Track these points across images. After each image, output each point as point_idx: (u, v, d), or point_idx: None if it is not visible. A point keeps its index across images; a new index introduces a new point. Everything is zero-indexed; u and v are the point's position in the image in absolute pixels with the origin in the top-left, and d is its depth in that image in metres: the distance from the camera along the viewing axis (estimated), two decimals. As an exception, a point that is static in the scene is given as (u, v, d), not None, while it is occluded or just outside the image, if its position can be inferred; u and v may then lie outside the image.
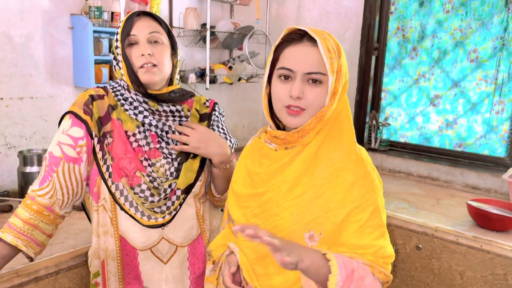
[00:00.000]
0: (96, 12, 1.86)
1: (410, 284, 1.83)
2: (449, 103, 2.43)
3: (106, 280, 1.24)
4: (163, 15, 2.31)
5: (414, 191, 2.22)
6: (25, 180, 1.74)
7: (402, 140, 2.64)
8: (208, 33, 2.26)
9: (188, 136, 1.21)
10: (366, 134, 2.68)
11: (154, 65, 1.19)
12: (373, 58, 2.63)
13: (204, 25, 2.34)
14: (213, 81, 2.42)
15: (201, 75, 2.36)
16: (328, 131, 1.00)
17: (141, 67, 1.18)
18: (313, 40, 0.96)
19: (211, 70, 2.42)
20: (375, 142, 2.60)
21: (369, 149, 2.61)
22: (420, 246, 1.78)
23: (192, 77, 2.34)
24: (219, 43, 2.51)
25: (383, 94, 2.68)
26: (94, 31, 1.87)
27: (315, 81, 0.96)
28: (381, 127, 2.60)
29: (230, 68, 2.52)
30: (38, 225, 1.16)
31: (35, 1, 1.83)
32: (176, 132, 1.24)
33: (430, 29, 2.45)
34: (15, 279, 1.26)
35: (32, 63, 1.86)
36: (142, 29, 1.19)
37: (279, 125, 1.08)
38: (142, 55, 1.17)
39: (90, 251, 1.27)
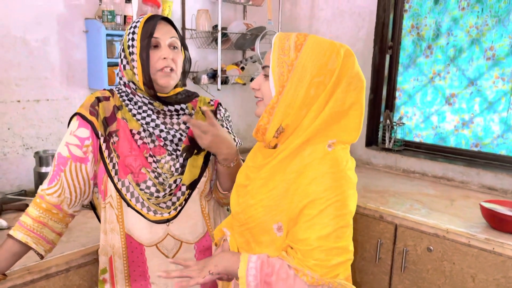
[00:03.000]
0: (109, 16, 1.91)
1: (421, 286, 1.80)
2: (465, 102, 2.38)
3: (113, 276, 1.27)
4: (176, 17, 2.35)
5: (428, 191, 2.18)
6: (41, 180, 1.79)
7: (417, 140, 2.60)
8: (219, 35, 2.28)
9: (206, 132, 1.18)
10: (380, 134, 2.66)
11: (172, 70, 1.21)
12: (387, 57, 2.60)
13: (216, 26, 2.36)
14: (225, 82, 2.44)
15: (213, 76, 2.39)
16: (311, 135, 1.01)
17: (161, 70, 1.20)
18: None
19: (223, 71, 2.44)
20: (389, 142, 2.57)
21: (383, 149, 2.59)
22: (431, 248, 1.75)
23: (204, 78, 2.37)
24: (232, 44, 2.53)
25: (397, 93, 2.64)
26: (107, 35, 1.92)
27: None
28: (395, 127, 2.56)
29: (243, 68, 2.54)
30: (48, 223, 1.20)
31: (51, 6, 1.89)
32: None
33: (445, 27, 2.40)
34: (27, 276, 1.30)
35: (48, 66, 1.92)
36: (164, 33, 1.21)
37: None
38: (165, 58, 1.19)
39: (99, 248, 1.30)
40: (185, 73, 1.32)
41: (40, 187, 1.23)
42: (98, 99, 1.26)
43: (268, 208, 1.01)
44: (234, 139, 1.36)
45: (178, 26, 2.37)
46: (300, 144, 1.01)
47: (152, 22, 1.19)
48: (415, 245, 1.80)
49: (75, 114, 1.24)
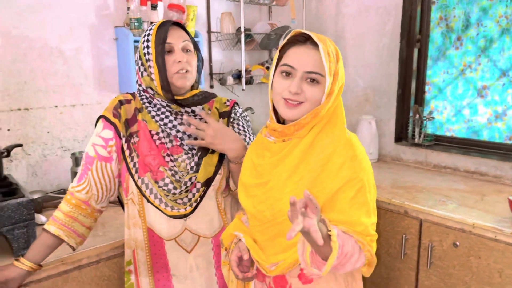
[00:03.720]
0: (136, 23, 2.01)
1: (448, 282, 1.77)
2: (498, 94, 2.30)
3: (137, 268, 1.35)
4: (201, 21, 2.43)
5: (458, 187, 2.13)
6: (77, 179, 1.93)
7: (448, 134, 2.54)
8: (242, 36, 2.34)
9: (203, 130, 1.28)
10: (410, 129, 2.61)
11: (187, 71, 1.29)
12: (415, 50, 2.55)
13: (240, 28, 2.42)
14: (249, 82, 2.49)
15: (237, 76, 2.45)
16: (323, 125, 1.09)
17: (177, 72, 1.27)
18: (315, 44, 1.05)
19: (248, 72, 2.49)
20: (419, 137, 2.52)
21: (413, 144, 2.54)
22: (457, 243, 1.72)
23: (230, 79, 2.43)
24: (257, 44, 2.58)
25: (427, 87, 2.59)
26: (135, 41, 2.02)
27: (312, 80, 1.06)
28: (425, 121, 2.51)
29: (268, 68, 2.58)
30: (78, 218, 1.30)
31: (83, 17, 2.02)
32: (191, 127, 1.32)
33: (474, 18, 2.33)
34: (61, 267, 1.42)
35: (82, 73, 2.05)
36: (176, 38, 1.28)
37: (279, 120, 1.17)
38: (179, 61, 1.26)
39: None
40: (199, 73, 1.38)
41: (70, 184, 1.33)
42: (121, 102, 1.34)
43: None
44: (250, 138, 1.41)
45: (203, 29, 2.45)
46: (315, 136, 1.08)
47: (164, 28, 1.26)
48: (441, 241, 1.77)
49: (100, 116, 1.34)
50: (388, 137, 2.68)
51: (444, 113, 2.54)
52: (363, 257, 1.03)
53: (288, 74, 1.07)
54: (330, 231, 0.96)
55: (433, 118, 2.52)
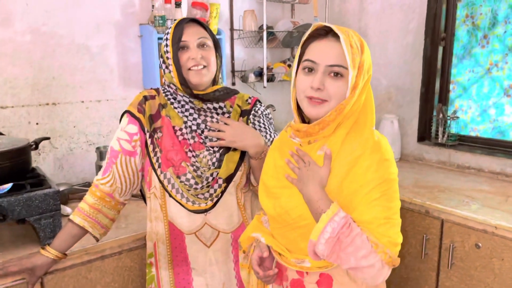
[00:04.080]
0: (160, 21, 2.04)
1: (469, 284, 1.74)
2: (525, 93, 2.24)
3: (157, 261, 1.38)
4: (224, 19, 2.45)
5: (482, 187, 2.09)
6: (102, 173, 1.98)
7: (473, 134, 2.49)
8: (264, 34, 2.35)
9: (223, 131, 1.31)
10: (433, 128, 2.57)
11: (204, 66, 1.31)
12: (440, 48, 2.51)
13: (262, 26, 2.43)
14: (271, 79, 2.50)
15: (259, 74, 2.46)
16: (353, 124, 1.04)
17: (190, 69, 1.31)
18: (337, 37, 1.01)
19: (270, 69, 2.50)
20: (443, 136, 2.48)
21: (436, 144, 2.51)
22: (480, 244, 1.69)
23: (251, 77, 2.45)
24: (279, 42, 2.58)
25: (451, 86, 2.54)
26: (159, 38, 2.06)
27: (336, 74, 1.01)
28: (449, 121, 2.47)
29: (290, 66, 2.59)
30: (102, 210, 1.34)
31: (109, 14, 2.07)
32: (212, 129, 1.35)
33: (502, 15, 2.28)
34: (85, 257, 1.46)
35: (107, 69, 2.10)
36: (192, 35, 1.31)
37: (304, 119, 1.14)
38: (193, 58, 1.30)
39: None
40: (219, 69, 1.40)
41: (96, 177, 1.37)
42: (145, 98, 1.38)
43: None
44: (271, 135, 1.42)
45: (226, 27, 2.47)
46: (346, 135, 1.04)
47: (180, 26, 1.30)
48: (463, 241, 1.75)
49: (125, 111, 1.37)
50: (410, 137, 2.64)
51: (469, 113, 2.49)
52: (374, 258, 0.95)
53: (310, 70, 1.03)
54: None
55: (457, 117, 2.48)
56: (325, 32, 1.04)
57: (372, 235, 0.97)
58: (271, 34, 2.53)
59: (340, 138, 1.04)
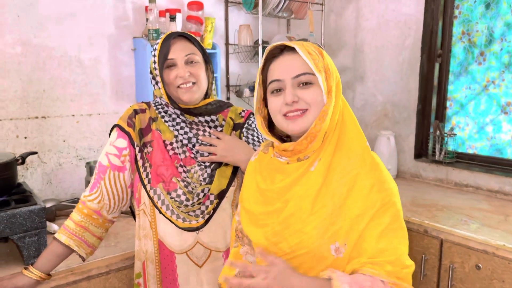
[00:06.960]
0: (154, 34, 2.02)
1: (470, 307, 1.69)
2: (523, 110, 2.22)
3: (146, 281, 1.32)
4: (219, 33, 2.43)
5: (481, 206, 2.05)
6: (91, 189, 1.92)
7: (470, 151, 2.46)
8: (260, 49, 2.33)
9: (215, 146, 1.27)
10: (430, 145, 2.54)
11: (194, 83, 1.27)
12: (437, 65, 2.50)
13: (258, 41, 2.41)
14: (267, 94, 2.47)
15: (254, 89, 2.43)
16: (337, 139, 0.99)
17: (179, 87, 1.27)
18: (293, 49, 0.99)
19: (266, 84, 2.48)
20: (440, 153, 2.45)
21: (434, 161, 2.47)
22: (480, 265, 1.64)
23: (246, 91, 2.42)
24: (275, 57, 2.56)
25: (448, 103, 2.53)
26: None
27: (305, 83, 0.98)
28: (446, 138, 2.44)
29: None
30: (89, 228, 1.28)
31: (102, 27, 2.04)
32: (204, 143, 1.31)
33: (498, 32, 2.27)
34: (70, 277, 1.40)
35: (99, 83, 2.06)
36: (179, 52, 1.27)
37: (282, 139, 1.09)
38: (181, 76, 1.26)
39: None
40: (211, 84, 1.37)
41: (83, 193, 1.32)
42: (135, 111, 1.34)
43: (323, 229, 0.94)
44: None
45: (221, 42, 2.45)
46: (333, 155, 0.98)
47: (167, 42, 1.26)
48: (463, 262, 1.70)
49: (115, 125, 1.33)
50: (407, 153, 2.61)
51: (466, 130, 2.47)
52: None
53: (278, 90, 0.99)
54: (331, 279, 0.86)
55: (455, 134, 2.45)
56: (280, 50, 1.01)
57: (385, 270, 0.89)
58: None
59: (330, 152, 0.98)
